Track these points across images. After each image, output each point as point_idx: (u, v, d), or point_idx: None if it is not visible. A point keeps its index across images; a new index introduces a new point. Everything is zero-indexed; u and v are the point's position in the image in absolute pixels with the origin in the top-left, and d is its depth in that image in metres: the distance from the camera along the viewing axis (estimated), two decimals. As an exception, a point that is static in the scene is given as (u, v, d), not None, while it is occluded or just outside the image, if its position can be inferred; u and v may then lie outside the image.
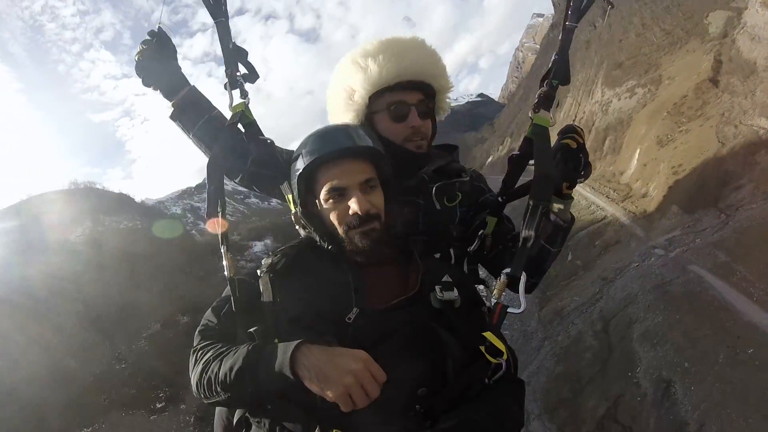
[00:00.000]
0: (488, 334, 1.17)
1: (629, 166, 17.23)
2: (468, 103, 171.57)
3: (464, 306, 1.22)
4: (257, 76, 1.57)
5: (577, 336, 10.01)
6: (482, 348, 1.16)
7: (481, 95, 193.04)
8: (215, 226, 1.33)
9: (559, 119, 1.42)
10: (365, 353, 1.03)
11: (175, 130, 1.65)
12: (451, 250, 1.52)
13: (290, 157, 1.42)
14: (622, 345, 8.41)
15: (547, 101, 1.42)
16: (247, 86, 1.54)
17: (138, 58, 1.54)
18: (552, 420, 8.35)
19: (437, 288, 1.20)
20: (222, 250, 1.33)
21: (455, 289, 1.21)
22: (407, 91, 1.52)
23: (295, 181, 1.31)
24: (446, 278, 1.24)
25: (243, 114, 1.51)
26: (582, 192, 18.02)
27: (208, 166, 1.42)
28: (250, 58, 1.56)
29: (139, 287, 20.00)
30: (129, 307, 18.87)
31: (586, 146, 1.39)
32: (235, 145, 1.52)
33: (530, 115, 1.43)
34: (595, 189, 18.01)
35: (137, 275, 20.38)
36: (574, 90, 30.92)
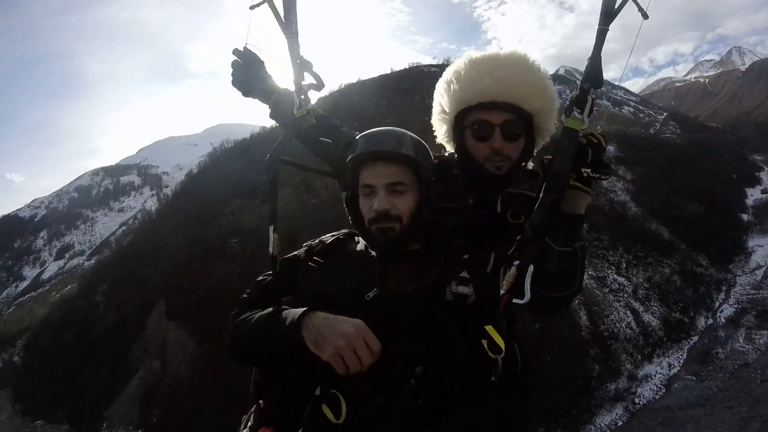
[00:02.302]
0: (489, 328, 1.19)
1: None
2: None
3: (479, 303, 1.26)
4: (323, 85, 1.71)
5: None
6: (484, 342, 1.18)
7: None
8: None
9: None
10: (362, 322, 1.12)
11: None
12: (493, 255, 1.41)
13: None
14: None
15: (579, 104, 1.40)
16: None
17: (232, 75, 1.72)
18: None
19: (453, 282, 1.26)
20: (270, 230, 1.47)
21: (470, 286, 1.26)
22: (493, 111, 1.52)
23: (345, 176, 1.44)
24: (464, 274, 1.28)
25: (305, 118, 1.64)
26: None
27: (268, 158, 1.54)
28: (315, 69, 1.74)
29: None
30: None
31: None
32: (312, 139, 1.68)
33: (561, 118, 1.42)
34: None
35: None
36: None
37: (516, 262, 1.28)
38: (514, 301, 1.27)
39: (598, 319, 17.18)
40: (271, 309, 1.26)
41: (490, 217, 1.52)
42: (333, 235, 1.49)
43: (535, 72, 1.55)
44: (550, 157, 1.39)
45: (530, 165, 1.68)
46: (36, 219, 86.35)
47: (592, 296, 17.89)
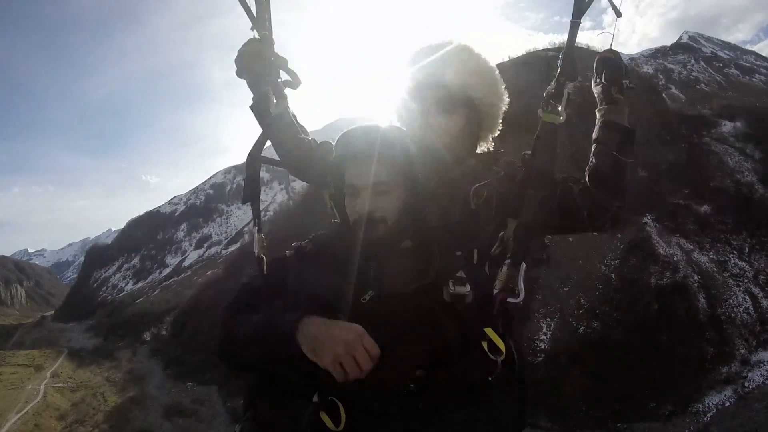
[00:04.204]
0: (489, 331, 1.21)
1: None
2: None
3: (476, 303, 1.23)
4: (299, 83, 1.69)
5: None
6: (484, 344, 1.20)
7: None
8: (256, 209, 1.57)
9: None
10: (360, 327, 1.09)
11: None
12: (475, 251, 1.41)
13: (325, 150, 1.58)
14: None
15: (555, 98, 1.42)
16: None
17: (239, 57, 1.69)
18: None
19: (450, 282, 1.21)
20: (254, 231, 1.51)
21: (467, 285, 1.21)
22: (429, 89, 1.54)
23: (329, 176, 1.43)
24: (460, 274, 1.24)
25: (283, 117, 1.66)
26: None
27: (248, 157, 1.60)
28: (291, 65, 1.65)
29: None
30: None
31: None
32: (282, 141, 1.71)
33: (539, 113, 1.43)
34: None
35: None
36: None
37: (507, 261, 1.33)
38: (509, 299, 1.32)
39: (716, 302, 17.09)
40: (263, 314, 1.25)
41: (466, 214, 1.48)
42: (322, 234, 1.47)
43: (460, 51, 1.57)
44: (529, 152, 1.45)
45: (483, 149, 1.68)
46: (176, 214, 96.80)
47: (712, 279, 17.76)
